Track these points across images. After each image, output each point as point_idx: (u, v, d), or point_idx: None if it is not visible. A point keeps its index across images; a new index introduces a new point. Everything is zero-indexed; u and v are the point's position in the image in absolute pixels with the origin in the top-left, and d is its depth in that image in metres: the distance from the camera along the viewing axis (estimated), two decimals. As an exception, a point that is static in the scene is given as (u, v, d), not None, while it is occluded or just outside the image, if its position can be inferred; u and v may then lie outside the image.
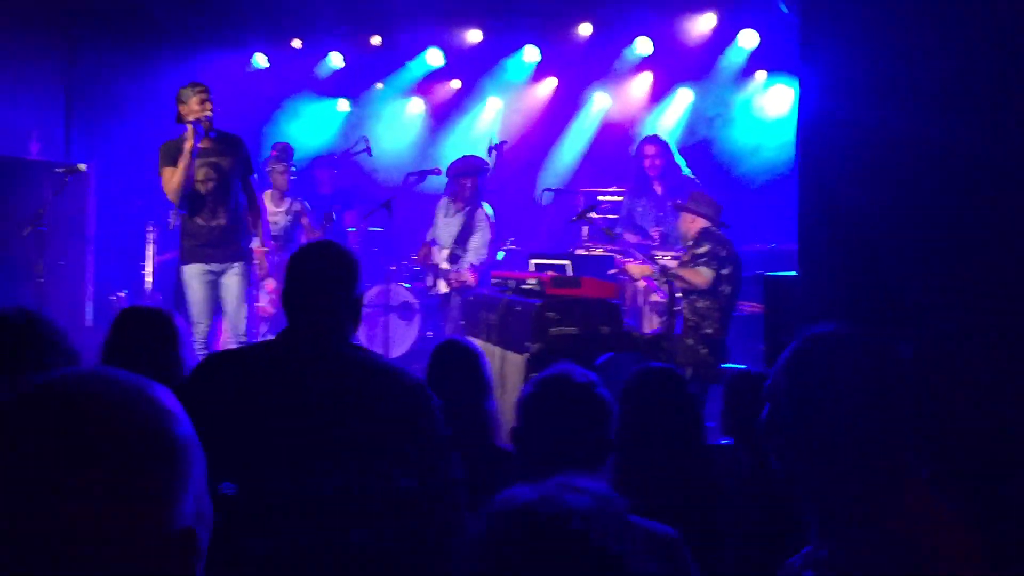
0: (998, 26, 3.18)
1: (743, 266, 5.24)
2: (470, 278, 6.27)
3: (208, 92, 5.42)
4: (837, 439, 1.52)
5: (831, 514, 1.54)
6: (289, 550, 1.90)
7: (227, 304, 5.48)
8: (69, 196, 7.21)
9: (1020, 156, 3.14)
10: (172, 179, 5.29)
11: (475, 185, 6.50)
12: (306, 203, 7.17)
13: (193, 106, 5.33)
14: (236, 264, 5.46)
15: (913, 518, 1.48)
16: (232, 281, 5.45)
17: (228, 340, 5.71)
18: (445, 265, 6.51)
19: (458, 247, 6.51)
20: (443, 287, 6.55)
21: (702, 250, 4.98)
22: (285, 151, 7.22)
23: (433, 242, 6.65)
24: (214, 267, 5.42)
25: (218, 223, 5.38)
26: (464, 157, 6.81)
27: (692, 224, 5.23)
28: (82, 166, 5.92)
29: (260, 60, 9.01)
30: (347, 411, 1.98)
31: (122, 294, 7.48)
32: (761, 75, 8.08)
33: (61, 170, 5.87)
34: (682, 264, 5.15)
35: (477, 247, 6.46)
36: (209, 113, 5.33)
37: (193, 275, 5.39)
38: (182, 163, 5.22)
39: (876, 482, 1.51)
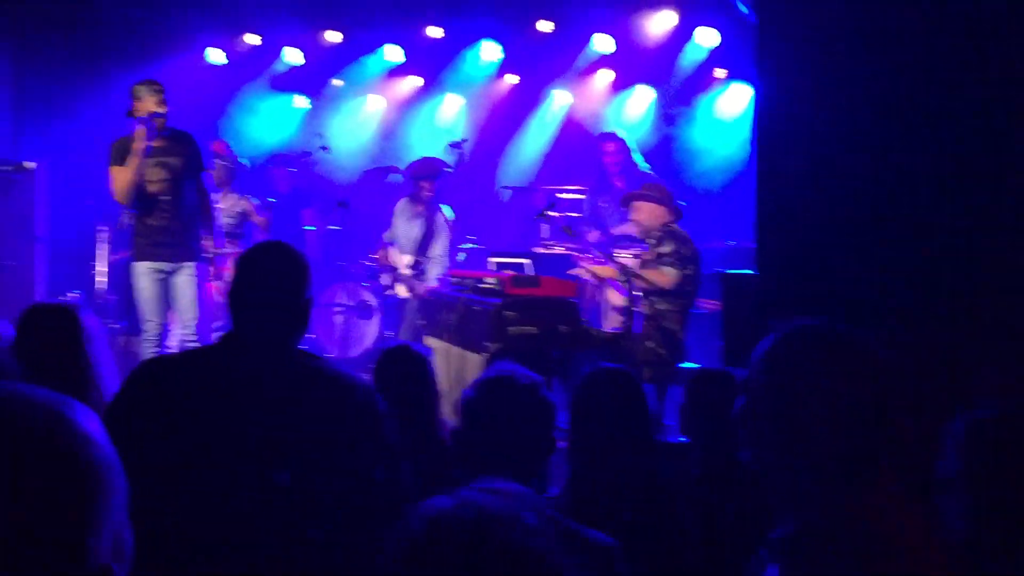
0: (952, 28, 3.20)
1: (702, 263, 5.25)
2: (423, 289, 6.25)
3: (163, 91, 5.33)
4: (811, 429, 1.52)
5: (801, 502, 1.54)
6: (234, 560, 1.84)
7: (178, 303, 5.39)
8: (17, 195, 7.06)
9: (973, 153, 3.16)
10: (121, 178, 5.18)
11: (434, 187, 6.48)
12: (253, 199, 7.02)
13: (149, 104, 5.23)
14: (187, 264, 5.36)
15: (881, 509, 1.48)
16: (183, 281, 5.36)
17: (178, 339, 5.62)
18: (407, 271, 6.46)
19: (420, 254, 6.48)
20: (401, 291, 6.51)
21: (666, 249, 4.94)
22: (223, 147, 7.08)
23: (391, 243, 6.61)
24: (164, 266, 5.33)
25: (168, 222, 5.28)
26: (423, 159, 6.77)
27: (651, 216, 5.12)
28: (30, 164, 5.76)
29: (215, 56, 8.85)
30: (292, 416, 1.92)
31: (74, 295, 7.32)
32: (721, 74, 8.12)
33: (8, 168, 5.71)
34: (645, 264, 5.13)
35: (440, 255, 6.44)
36: (163, 110, 5.22)
37: (143, 273, 5.30)
38: (132, 163, 5.11)
39: (847, 473, 1.50)
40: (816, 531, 1.50)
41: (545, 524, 1.16)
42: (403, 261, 6.50)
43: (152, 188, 5.25)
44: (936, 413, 2.94)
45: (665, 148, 8.13)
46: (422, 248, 6.47)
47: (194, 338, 5.39)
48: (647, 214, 5.13)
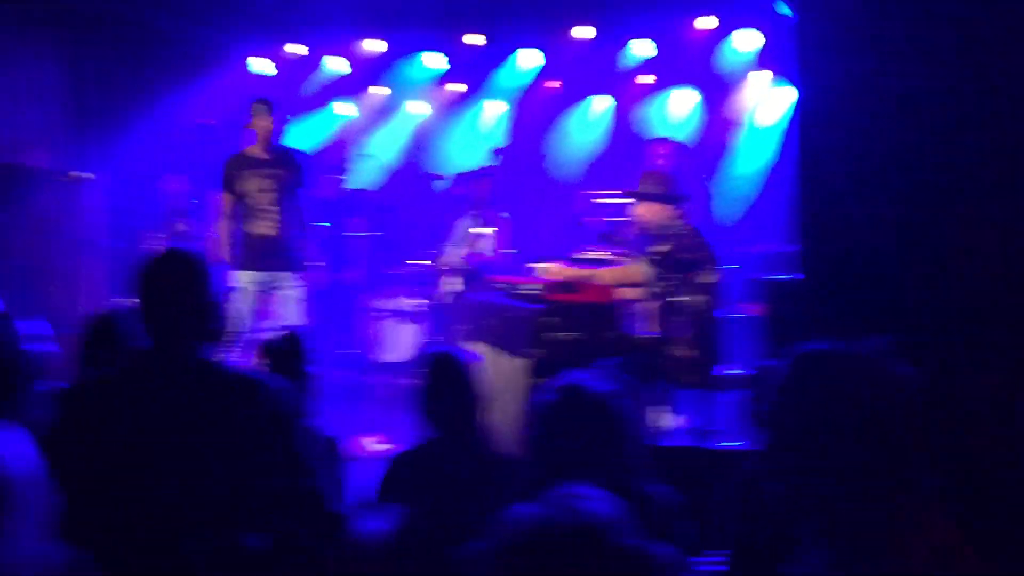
0: (997, 32, 3.16)
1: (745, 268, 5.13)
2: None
3: (272, 108, 5.76)
4: (841, 457, 1.51)
5: (835, 533, 1.52)
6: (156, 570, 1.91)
7: (283, 312, 5.65)
8: (75, 204, 7.25)
9: (1022, 155, 3.12)
10: (226, 207, 5.70)
11: (488, 193, 6.65)
12: None
13: (266, 125, 5.70)
14: (286, 274, 5.62)
15: (920, 535, 1.46)
16: (286, 291, 5.65)
17: None
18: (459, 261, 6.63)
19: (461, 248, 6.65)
20: (455, 283, 6.61)
21: (663, 249, 4.66)
22: None
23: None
24: (263, 276, 5.59)
25: (274, 233, 5.53)
26: (477, 170, 7.00)
27: (654, 213, 4.80)
28: (87, 174, 5.95)
29: (259, 65, 9.00)
30: (197, 425, 1.97)
31: (124, 302, 7.47)
32: (766, 76, 8.05)
33: (66, 179, 5.91)
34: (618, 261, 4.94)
35: (490, 246, 6.60)
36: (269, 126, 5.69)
37: (242, 282, 5.57)
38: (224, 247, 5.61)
39: (883, 500, 1.49)
40: (846, 559, 1.48)
41: (634, 525, 1.22)
42: (457, 254, 6.65)
43: (257, 198, 5.54)
44: (989, 419, 2.90)
45: (711, 151, 8.09)
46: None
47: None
48: (651, 213, 4.84)
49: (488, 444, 3.12)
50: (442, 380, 3.09)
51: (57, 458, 1.96)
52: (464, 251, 6.66)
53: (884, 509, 1.48)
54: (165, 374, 2.03)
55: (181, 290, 2.08)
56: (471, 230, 6.75)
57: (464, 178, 7.47)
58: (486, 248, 6.59)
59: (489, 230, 6.61)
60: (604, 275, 4.92)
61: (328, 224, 7.07)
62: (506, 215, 6.76)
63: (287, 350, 3.31)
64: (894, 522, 1.47)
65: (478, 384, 3.18)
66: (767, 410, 1.65)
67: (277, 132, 5.80)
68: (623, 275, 4.94)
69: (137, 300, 2.10)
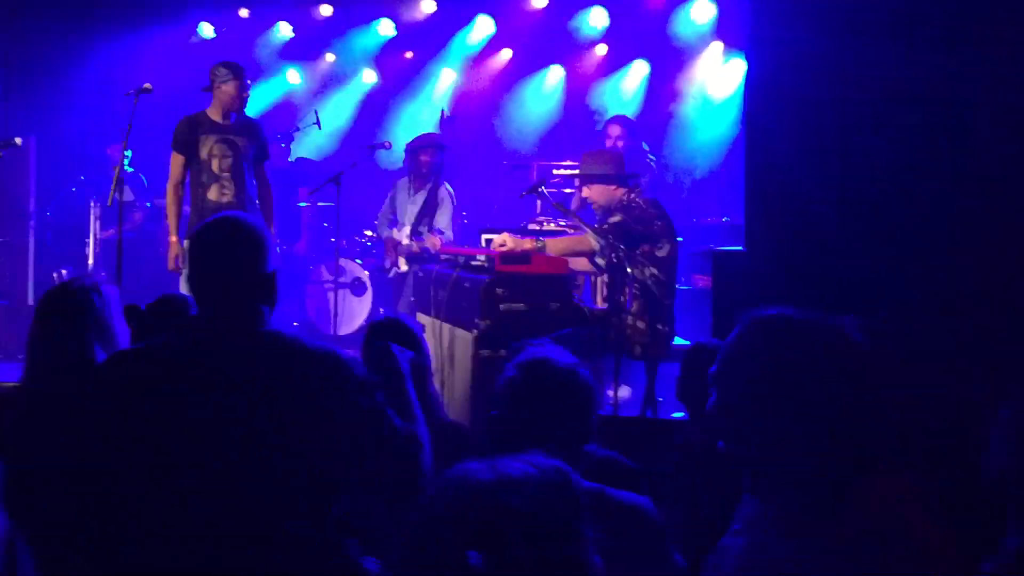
0: (952, 5, 3.16)
1: (690, 239, 5.13)
2: (436, 242, 6.18)
3: (243, 74, 5.51)
4: (792, 424, 1.49)
5: (786, 502, 1.51)
6: (217, 546, 1.82)
7: None
8: (9, 171, 7.02)
9: (968, 129, 3.13)
10: (176, 169, 5.45)
11: (433, 161, 6.46)
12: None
13: (229, 90, 5.42)
14: None
15: (881, 500, 1.45)
16: None
17: None
18: (406, 241, 6.46)
19: (420, 224, 6.48)
20: (403, 265, 6.49)
21: (616, 219, 4.61)
22: None
23: (393, 223, 6.64)
24: None
25: (227, 200, 5.32)
26: (423, 135, 6.79)
27: (605, 195, 4.76)
28: (18, 140, 5.72)
29: (206, 30, 8.77)
30: (266, 395, 1.86)
31: (64, 271, 7.29)
32: (717, 47, 8.04)
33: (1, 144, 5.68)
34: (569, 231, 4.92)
35: (445, 226, 6.44)
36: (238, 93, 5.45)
37: None
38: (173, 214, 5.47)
39: (838, 466, 1.48)
40: (808, 532, 1.47)
41: (573, 493, 1.22)
42: (404, 233, 6.50)
43: (214, 164, 5.33)
44: (929, 395, 2.94)
45: (661, 123, 8.08)
46: (420, 218, 6.50)
47: None
48: (599, 194, 4.80)
49: (436, 412, 3.09)
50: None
51: (103, 434, 1.86)
52: (407, 230, 6.52)
53: (830, 469, 1.47)
54: (233, 343, 1.91)
55: (242, 258, 1.96)
56: (415, 207, 6.60)
57: (411, 147, 7.32)
58: (441, 223, 6.48)
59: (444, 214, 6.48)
60: (554, 245, 4.87)
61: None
62: (449, 189, 6.61)
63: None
64: (840, 482, 1.46)
65: (424, 352, 3.14)
66: (712, 373, 1.63)
67: (242, 100, 5.51)
68: (573, 244, 4.90)
69: (195, 266, 1.98)
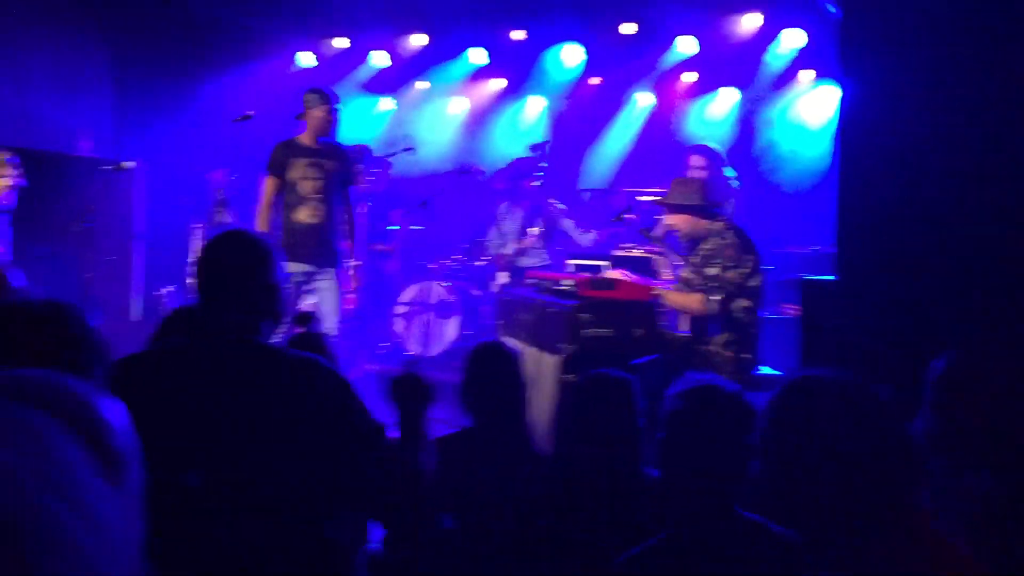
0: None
1: (780, 267, 5.06)
2: (592, 236, 6.45)
3: (330, 100, 5.71)
4: (830, 484, 1.52)
5: (838, 560, 1.52)
6: (211, 552, 1.87)
7: (321, 307, 5.63)
8: (118, 193, 7.38)
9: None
10: (268, 191, 5.65)
11: (534, 188, 6.73)
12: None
13: (318, 115, 5.64)
14: (328, 269, 5.56)
15: (919, 555, 1.45)
16: (325, 285, 5.60)
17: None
18: (510, 250, 6.71)
19: (523, 235, 6.76)
20: (504, 278, 6.65)
21: (711, 271, 4.66)
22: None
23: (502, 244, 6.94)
24: (305, 267, 5.53)
25: (315, 221, 5.52)
26: (518, 160, 7.00)
27: (689, 224, 4.80)
28: (129, 163, 6.03)
29: (305, 59, 9.09)
30: (259, 406, 1.92)
31: (169, 289, 7.61)
32: (808, 76, 7.96)
33: (108, 167, 5.99)
34: (681, 284, 4.94)
35: (571, 228, 6.88)
36: (327, 119, 5.65)
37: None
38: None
39: (876, 524, 1.49)
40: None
41: None
42: (508, 251, 6.70)
43: (303, 185, 5.54)
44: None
45: (749, 151, 8.01)
46: (522, 232, 6.77)
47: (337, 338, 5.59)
48: (684, 223, 4.82)
49: (529, 436, 3.13)
50: (487, 371, 3.10)
51: None
52: (512, 246, 6.72)
53: (880, 529, 1.47)
54: (222, 355, 1.98)
55: (242, 271, 2.04)
56: (516, 223, 6.83)
57: (506, 172, 7.54)
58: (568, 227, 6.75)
59: (535, 229, 6.70)
60: (667, 297, 4.84)
61: (369, 217, 7.11)
62: (562, 206, 6.86)
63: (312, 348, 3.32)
64: (890, 540, 1.46)
65: (522, 378, 3.18)
66: (759, 445, 1.67)
67: (333, 124, 5.72)
68: (684, 303, 4.83)
69: (197, 280, 2.07)
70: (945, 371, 2.30)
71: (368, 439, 2.01)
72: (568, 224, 6.81)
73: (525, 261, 6.81)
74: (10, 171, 5.46)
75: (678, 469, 2.13)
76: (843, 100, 3.78)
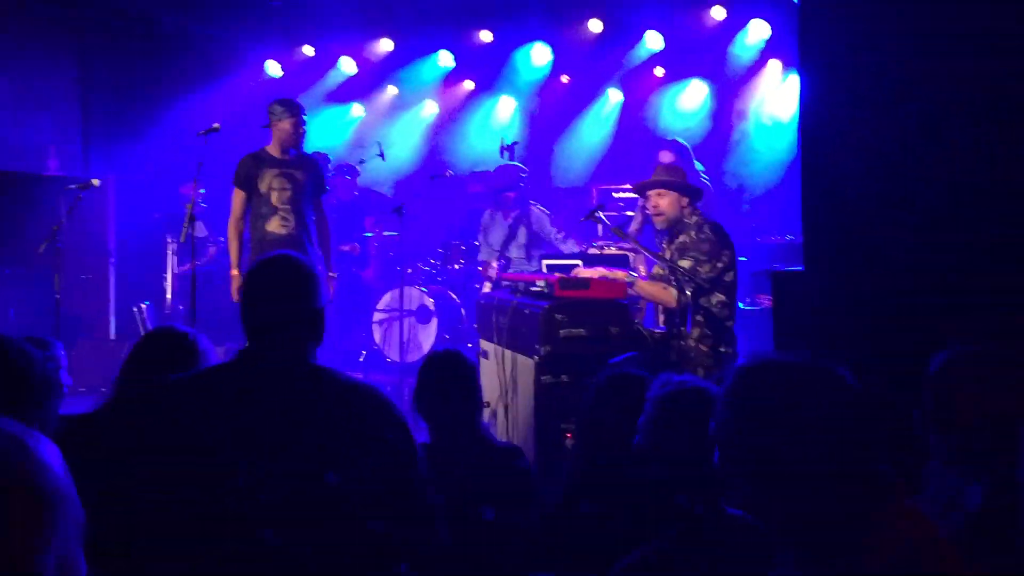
0: (1006, 18, 3.11)
1: (754, 258, 5.11)
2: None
3: (300, 112, 5.70)
4: (796, 470, 1.50)
5: (806, 546, 1.51)
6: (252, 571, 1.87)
7: None
8: (89, 210, 7.31)
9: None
10: (237, 204, 5.65)
11: (517, 194, 6.74)
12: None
13: (285, 127, 5.63)
14: None
15: (896, 537, 1.44)
16: None
17: None
18: (494, 264, 6.69)
19: (507, 250, 6.76)
20: (488, 288, 6.65)
21: (684, 264, 4.68)
22: None
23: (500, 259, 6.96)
24: None
25: (286, 231, 5.51)
26: (500, 169, 7.02)
27: (672, 205, 4.84)
28: (95, 181, 5.98)
29: (273, 69, 9.05)
30: (305, 428, 1.92)
31: (143, 306, 7.56)
32: (775, 65, 8.00)
33: (75, 186, 5.95)
34: (652, 277, 5.00)
35: (551, 234, 6.84)
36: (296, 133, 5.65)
37: None
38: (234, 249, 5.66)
39: (850, 508, 1.48)
40: (818, 561, 1.47)
41: None
42: (493, 266, 6.70)
43: (274, 197, 5.53)
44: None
45: (721, 142, 8.05)
46: (505, 245, 6.77)
47: None
48: (669, 204, 4.86)
49: (486, 446, 3.12)
50: (443, 379, 3.09)
51: (143, 462, 1.92)
52: (494, 265, 6.73)
53: (845, 507, 1.47)
54: (273, 377, 1.98)
55: (290, 297, 2.05)
56: (501, 233, 6.86)
57: (489, 179, 7.51)
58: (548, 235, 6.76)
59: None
60: (642, 287, 4.90)
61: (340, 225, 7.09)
62: (546, 211, 6.89)
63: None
64: (858, 518, 1.46)
65: (477, 386, 3.16)
66: (716, 434, 1.65)
67: (301, 135, 5.71)
68: (657, 293, 4.89)
69: (244, 305, 2.07)
70: (944, 365, 2.27)
71: (410, 466, 2.02)
72: (551, 232, 6.83)
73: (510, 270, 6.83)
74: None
75: (660, 472, 2.13)
76: (801, 88, 3.79)
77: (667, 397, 2.19)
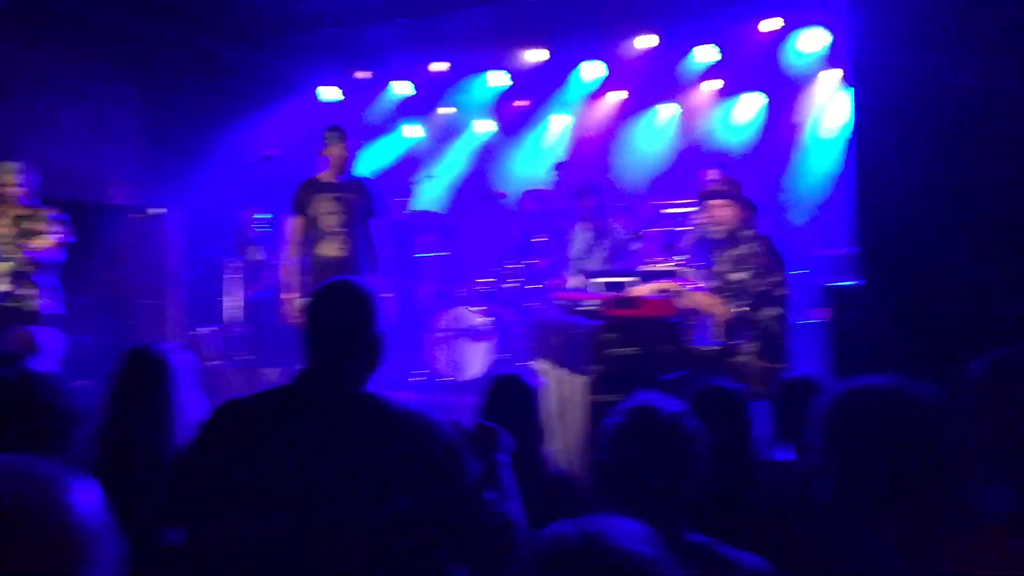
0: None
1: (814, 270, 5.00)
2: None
3: (345, 136, 5.81)
4: (889, 493, 1.48)
5: (900, 570, 1.46)
6: None
7: None
8: (150, 238, 7.51)
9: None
10: (295, 229, 5.71)
11: (591, 202, 6.67)
12: None
13: (335, 151, 5.76)
14: None
15: (989, 561, 1.40)
16: None
17: None
18: (572, 284, 6.64)
19: (584, 263, 6.70)
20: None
21: (738, 276, 4.69)
22: None
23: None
24: None
25: (339, 255, 5.60)
26: (582, 177, 7.01)
27: (730, 215, 4.85)
28: (157, 210, 6.14)
29: (328, 94, 9.19)
30: (363, 455, 1.92)
31: (203, 330, 7.70)
32: (835, 74, 7.83)
33: (139, 215, 6.11)
34: (708, 290, 4.93)
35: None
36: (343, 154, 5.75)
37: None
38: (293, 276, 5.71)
39: (942, 532, 1.44)
40: None
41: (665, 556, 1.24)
42: (576, 282, 6.65)
43: (327, 222, 5.63)
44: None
45: (779, 153, 7.91)
46: (584, 262, 6.73)
47: None
48: (723, 212, 4.86)
49: (548, 468, 3.09)
50: (505, 403, 3.06)
51: (204, 482, 1.96)
52: (579, 279, 6.70)
53: (944, 535, 1.42)
54: (322, 401, 2.00)
55: (351, 323, 2.07)
56: (584, 244, 6.80)
57: (535, 193, 7.53)
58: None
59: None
60: (694, 298, 4.85)
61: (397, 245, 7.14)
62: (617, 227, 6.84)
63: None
64: (955, 546, 1.40)
65: (541, 408, 3.13)
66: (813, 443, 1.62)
67: (350, 159, 5.85)
68: (707, 306, 4.85)
69: (306, 327, 2.10)
70: (984, 375, 2.20)
71: (468, 498, 2.01)
72: (634, 245, 6.74)
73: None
74: (58, 228, 5.59)
75: (617, 492, 2.08)
76: (856, 98, 3.70)
77: (624, 417, 2.14)
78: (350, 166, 5.82)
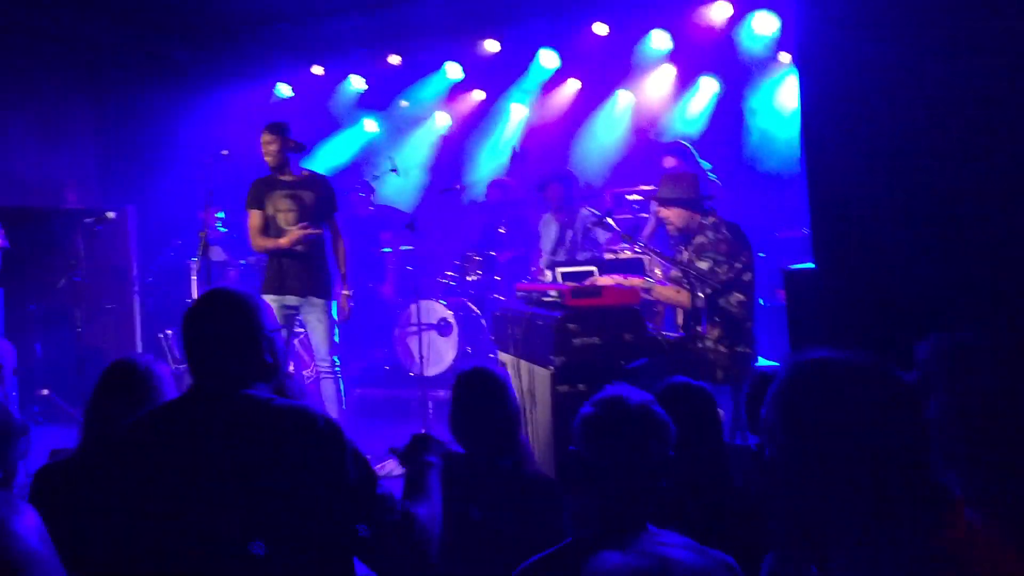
0: (1008, 12, 3.05)
1: (773, 254, 5.06)
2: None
3: (281, 131, 5.65)
4: (846, 471, 1.45)
5: (850, 548, 1.47)
6: None
7: (312, 339, 5.70)
8: (110, 242, 7.41)
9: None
10: (255, 222, 5.63)
11: (554, 194, 6.68)
12: None
13: (271, 150, 5.64)
14: (317, 300, 5.54)
15: (947, 541, 1.40)
16: (314, 316, 5.58)
17: (314, 370, 6.03)
18: (546, 276, 6.65)
19: (555, 255, 6.70)
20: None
21: (702, 265, 4.70)
22: None
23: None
24: (291, 300, 5.53)
25: (298, 252, 5.51)
26: (546, 172, 7.02)
27: (681, 218, 4.90)
28: (110, 214, 6.06)
29: (283, 90, 9.11)
30: (252, 460, 1.94)
31: (169, 332, 7.63)
32: (785, 58, 7.91)
33: (90, 219, 6.02)
34: (669, 280, 5.00)
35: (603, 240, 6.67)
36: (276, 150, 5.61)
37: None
38: (271, 243, 5.56)
39: (899, 510, 1.43)
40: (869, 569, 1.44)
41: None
42: (547, 277, 6.65)
43: (282, 219, 5.55)
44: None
45: (734, 138, 7.97)
46: (554, 251, 6.74)
47: (332, 369, 5.60)
48: (677, 216, 4.91)
49: (523, 461, 3.11)
50: (475, 398, 3.08)
51: (96, 502, 1.99)
52: (545, 261, 6.70)
53: (900, 514, 1.43)
54: (207, 413, 2.02)
55: (221, 328, 2.08)
56: (551, 235, 6.81)
57: (499, 183, 7.51)
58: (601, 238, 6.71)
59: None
60: (660, 292, 4.91)
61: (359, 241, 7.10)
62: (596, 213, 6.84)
63: None
64: (912, 525, 1.42)
65: (512, 402, 3.15)
66: (764, 429, 1.61)
67: (289, 155, 5.64)
68: (673, 296, 4.90)
69: (184, 340, 2.12)
70: (931, 356, 2.25)
71: (359, 487, 2.03)
72: (600, 234, 6.73)
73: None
74: (-9, 234, 5.49)
75: (584, 484, 2.11)
76: (802, 81, 3.73)
77: (596, 407, 2.17)
78: (284, 162, 5.64)
